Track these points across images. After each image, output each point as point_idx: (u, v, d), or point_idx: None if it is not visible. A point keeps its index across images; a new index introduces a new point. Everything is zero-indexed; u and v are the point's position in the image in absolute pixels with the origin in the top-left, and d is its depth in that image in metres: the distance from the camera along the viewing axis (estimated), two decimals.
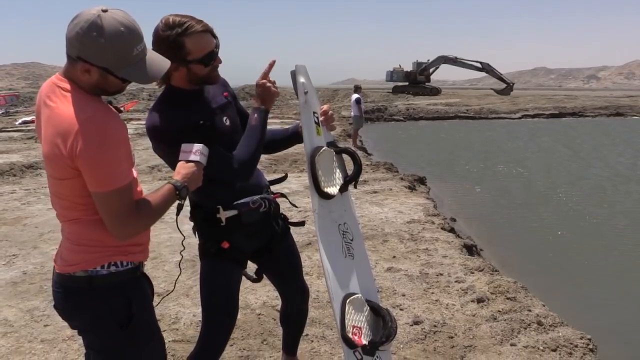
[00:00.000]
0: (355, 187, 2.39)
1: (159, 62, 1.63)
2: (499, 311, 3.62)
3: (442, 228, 6.12)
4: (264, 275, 2.45)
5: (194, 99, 2.03)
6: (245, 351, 3.19)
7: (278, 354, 3.10)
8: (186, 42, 1.89)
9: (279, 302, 3.78)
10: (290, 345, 2.74)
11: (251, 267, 2.35)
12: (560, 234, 7.60)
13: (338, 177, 2.33)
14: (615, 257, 6.59)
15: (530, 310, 3.63)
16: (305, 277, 4.34)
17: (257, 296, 3.96)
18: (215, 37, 1.97)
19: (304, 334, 3.13)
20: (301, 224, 2.60)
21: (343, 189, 2.33)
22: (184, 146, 1.82)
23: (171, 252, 4.87)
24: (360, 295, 2.27)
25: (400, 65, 49.97)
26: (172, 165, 1.89)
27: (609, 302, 5.12)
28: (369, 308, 2.30)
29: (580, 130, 24.46)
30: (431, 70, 48.39)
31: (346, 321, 2.19)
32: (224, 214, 2.10)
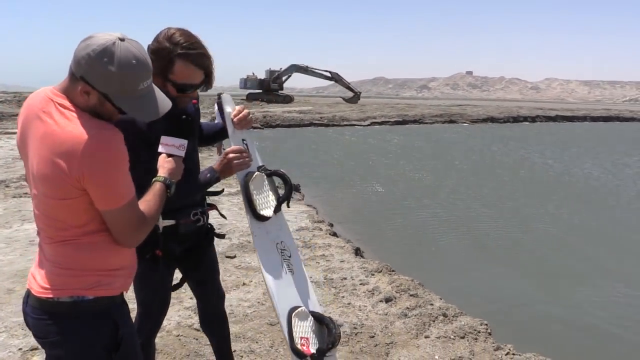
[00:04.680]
0: (288, 206, 2.48)
1: (161, 101, 1.59)
2: (407, 308, 3.94)
3: (330, 234, 6.40)
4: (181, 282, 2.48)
5: None
6: None
7: None
8: (176, 64, 1.91)
9: (193, 321, 3.72)
10: (224, 353, 2.70)
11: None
12: (423, 229, 8.47)
13: (272, 199, 2.41)
14: (471, 243, 7.55)
15: (432, 304, 3.99)
16: None
17: (169, 317, 3.79)
18: (208, 75, 1.99)
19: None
20: (222, 236, 2.64)
21: (277, 209, 2.41)
22: (167, 139, 1.81)
23: None
24: (303, 307, 2.37)
25: (253, 73, 50.55)
26: None
27: (483, 284, 5.82)
28: (312, 318, 2.40)
29: (419, 134, 27.02)
30: (284, 78, 49.65)
31: (294, 334, 2.28)
32: (162, 223, 2.10)
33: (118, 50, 1.42)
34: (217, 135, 2.51)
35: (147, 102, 1.53)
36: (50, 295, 1.51)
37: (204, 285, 2.52)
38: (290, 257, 2.46)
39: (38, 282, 1.55)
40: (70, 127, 1.41)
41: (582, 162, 18.05)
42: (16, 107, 26.52)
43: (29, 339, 3.32)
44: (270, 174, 2.41)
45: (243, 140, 2.36)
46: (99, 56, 1.40)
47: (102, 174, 1.42)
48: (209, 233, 2.41)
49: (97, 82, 1.43)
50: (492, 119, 40.48)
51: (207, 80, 2.02)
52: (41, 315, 1.53)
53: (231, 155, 2.13)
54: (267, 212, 2.34)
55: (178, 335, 3.51)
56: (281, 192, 2.42)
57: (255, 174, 2.32)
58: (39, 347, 3.19)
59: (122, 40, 1.44)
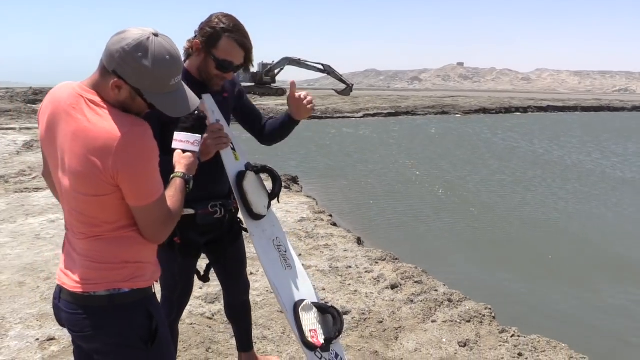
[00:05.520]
0: (278, 201, 2.51)
1: (190, 99, 1.61)
2: (412, 294, 4.04)
3: (331, 224, 6.49)
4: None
5: (197, 88, 2.00)
6: None
7: None
8: (222, 39, 2.07)
9: (204, 310, 3.80)
10: (244, 340, 2.86)
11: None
12: (419, 218, 8.60)
13: (264, 196, 2.42)
14: (467, 230, 7.65)
15: (437, 290, 4.10)
16: None
17: None
18: (247, 59, 2.13)
19: None
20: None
21: (268, 206, 2.44)
22: (181, 135, 1.84)
23: None
24: (307, 300, 2.43)
25: None
26: None
27: (483, 271, 5.94)
28: (316, 309, 2.47)
29: (412, 125, 27.15)
30: (276, 71, 49.44)
31: (304, 327, 2.34)
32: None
33: (152, 45, 1.44)
34: (283, 127, 2.47)
35: (177, 98, 1.55)
36: (86, 290, 1.54)
37: (230, 278, 2.62)
38: (286, 252, 2.50)
39: (72, 278, 1.57)
40: (103, 123, 1.43)
41: (572, 150, 18.24)
42: (8, 102, 26.28)
43: (45, 329, 3.39)
44: (259, 171, 2.41)
45: (218, 120, 2.26)
46: (133, 50, 1.42)
47: (136, 170, 1.45)
48: (234, 227, 2.45)
49: (130, 76, 1.44)
50: (485, 110, 40.68)
51: (245, 64, 2.15)
52: (76, 310, 1.56)
53: (205, 135, 2.07)
54: (262, 210, 2.37)
55: (191, 324, 3.58)
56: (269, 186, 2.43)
57: (247, 173, 2.31)
58: (56, 337, 3.27)
59: (155, 35, 1.47)
